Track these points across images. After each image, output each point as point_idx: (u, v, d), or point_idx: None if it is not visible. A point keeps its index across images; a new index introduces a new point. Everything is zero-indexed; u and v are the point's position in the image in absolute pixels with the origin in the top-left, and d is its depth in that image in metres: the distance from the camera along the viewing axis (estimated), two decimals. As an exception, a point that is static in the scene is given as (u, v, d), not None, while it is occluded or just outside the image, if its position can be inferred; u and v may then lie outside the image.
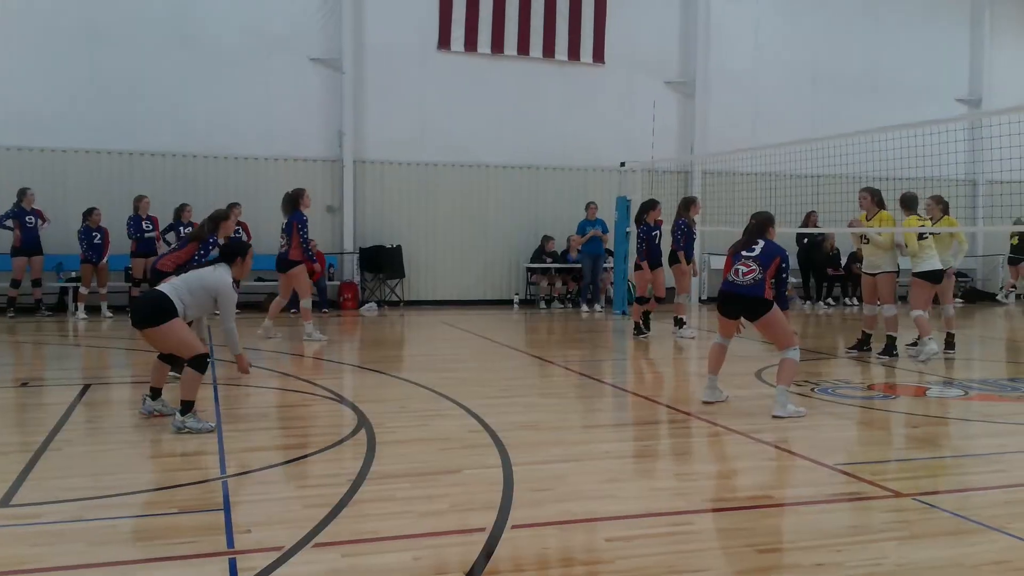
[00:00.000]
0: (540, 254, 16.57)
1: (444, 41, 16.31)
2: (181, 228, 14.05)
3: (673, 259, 12.27)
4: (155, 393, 6.38)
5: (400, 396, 7.42)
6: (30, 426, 6.40)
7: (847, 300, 17.63)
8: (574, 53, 17.09)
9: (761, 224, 6.93)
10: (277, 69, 15.46)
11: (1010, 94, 17.94)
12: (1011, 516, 4.30)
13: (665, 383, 9.04)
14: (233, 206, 14.19)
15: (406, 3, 16.07)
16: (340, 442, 5.72)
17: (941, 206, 9.60)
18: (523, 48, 16.73)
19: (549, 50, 16.93)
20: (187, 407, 5.85)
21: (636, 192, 15.43)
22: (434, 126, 16.24)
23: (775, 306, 6.59)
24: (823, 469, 5.13)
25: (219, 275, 6.16)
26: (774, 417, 6.43)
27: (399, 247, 15.95)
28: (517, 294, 16.64)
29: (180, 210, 13.80)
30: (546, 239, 16.57)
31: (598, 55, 17.19)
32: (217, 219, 8.21)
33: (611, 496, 4.64)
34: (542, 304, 16.36)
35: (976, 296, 18.36)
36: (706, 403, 6.95)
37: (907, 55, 18.63)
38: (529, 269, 16.69)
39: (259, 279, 14.75)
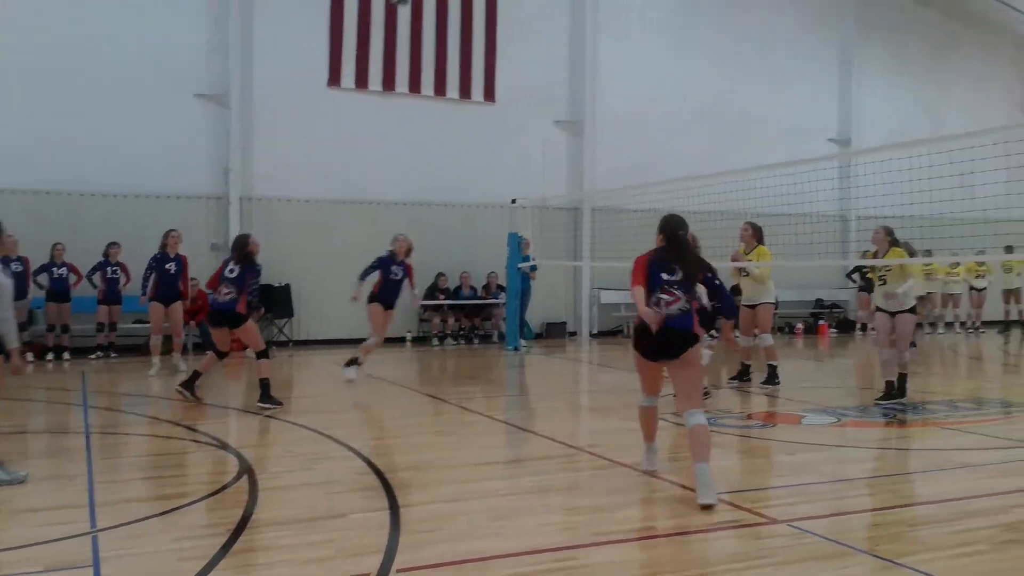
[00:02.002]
0: (433, 291, 16.54)
1: (334, 78, 16.23)
2: (108, 268, 13.64)
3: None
4: None
5: (286, 440, 7.24)
6: None
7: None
8: (465, 92, 17.26)
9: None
10: (161, 105, 15.05)
11: (875, 134, 19.09)
12: (880, 539, 4.50)
13: (557, 419, 9.10)
14: (111, 245, 13.76)
15: (295, 40, 15.93)
16: (221, 490, 5.53)
17: (890, 238, 9.37)
18: (415, 86, 16.79)
19: (440, 88, 17.05)
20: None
21: (527, 229, 15.66)
22: (325, 163, 16.09)
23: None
24: (705, 499, 5.25)
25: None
26: (704, 507, 5.04)
27: (288, 285, 15.66)
28: (409, 331, 16.53)
29: (108, 248, 13.66)
30: (439, 275, 16.56)
31: (489, 94, 17.41)
32: None
33: (498, 534, 4.64)
34: (435, 341, 16.31)
35: (848, 326, 19.26)
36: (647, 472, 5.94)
37: (784, 97, 19.58)
38: (422, 306, 16.61)
39: (139, 321, 14.21)
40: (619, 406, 9.08)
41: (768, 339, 10.29)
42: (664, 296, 5.45)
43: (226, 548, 4.34)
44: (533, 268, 15.74)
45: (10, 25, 14.22)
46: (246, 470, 5.98)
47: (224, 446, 6.97)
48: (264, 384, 8.80)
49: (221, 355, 9.22)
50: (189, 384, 9.09)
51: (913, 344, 10.50)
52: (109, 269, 13.70)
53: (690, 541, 4.52)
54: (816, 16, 20.39)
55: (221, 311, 9.03)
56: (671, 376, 5.58)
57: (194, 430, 7.56)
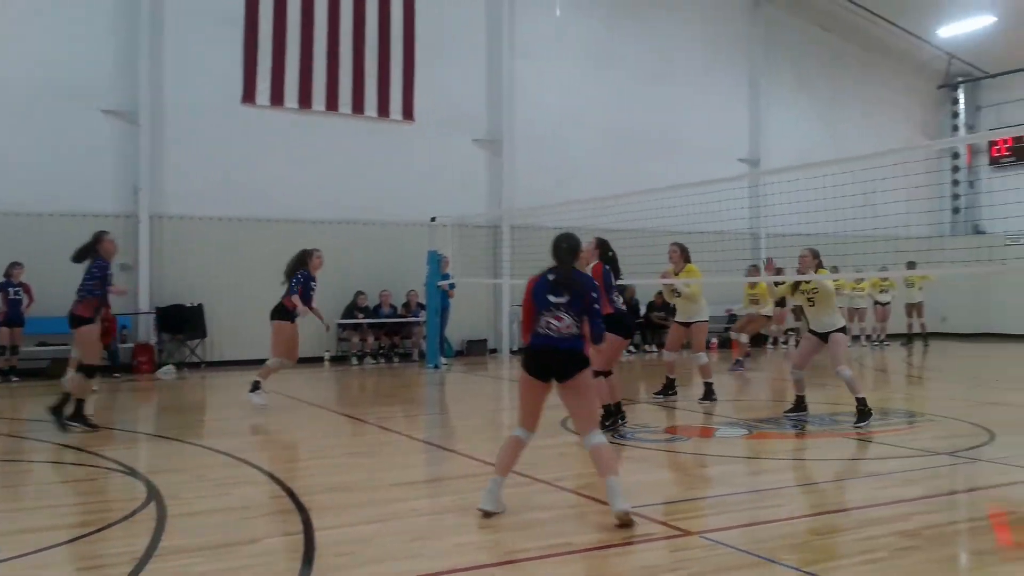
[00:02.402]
0: (352, 309, 16.37)
1: (249, 95, 15.98)
2: (11, 289, 13.18)
3: None
4: None
5: (197, 465, 7.05)
6: None
7: (646, 347, 18.56)
8: (383, 110, 17.20)
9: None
10: (66, 121, 14.58)
11: (783, 154, 19.75)
12: (787, 548, 4.63)
13: (477, 437, 9.09)
14: (13, 265, 13.23)
15: (208, 55, 15.64)
16: (127, 518, 5.35)
17: (816, 260, 9.48)
18: (332, 104, 16.66)
19: (359, 106, 16.95)
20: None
21: (447, 247, 15.66)
22: (239, 181, 15.80)
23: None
24: (620, 513, 5.32)
25: None
26: (620, 515, 5.01)
27: (200, 305, 15.30)
28: (328, 351, 16.32)
29: (10, 268, 13.22)
30: (358, 294, 16.41)
31: (407, 112, 17.39)
32: None
33: (417, 555, 4.61)
34: (354, 360, 16.13)
35: (761, 340, 19.78)
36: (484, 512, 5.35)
37: (697, 118, 20.09)
38: (340, 325, 16.44)
39: (42, 343, 13.69)
40: (540, 423, 9.12)
41: (703, 357, 10.53)
42: (552, 321, 5.35)
43: (132, 578, 4.21)
44: (452, 286, 15.75)
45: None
46: (154, 497, 5.80)
47: (132, 472, 6.75)
48: (77, 401, 8.39)
49: (91, 371, 8.57)
50: (75, 414, 8.42)
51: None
52: (11, 290, 13.20)
53: (606, 556, 4.57)
54: (727, 41, 21.03)
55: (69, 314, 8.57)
56: (563, 402, 5.52)
57: (101, 456, 7.30)
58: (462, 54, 18.08)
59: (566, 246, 5.60)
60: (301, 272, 10.46)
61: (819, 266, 9.23)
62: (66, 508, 5.85)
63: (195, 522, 5.26)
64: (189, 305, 15.18)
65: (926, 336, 19.84)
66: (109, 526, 5.16)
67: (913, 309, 19.65)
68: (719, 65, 20.86)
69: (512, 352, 18.03)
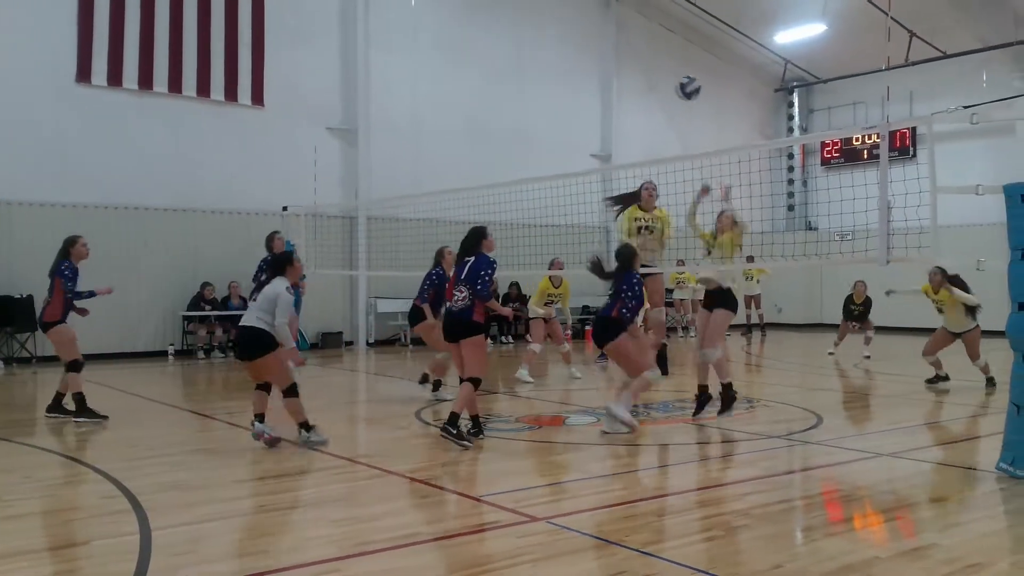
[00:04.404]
0: (199, 301, 15.74)
1: (84, 74, 15.04)
2: None
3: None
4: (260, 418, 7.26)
5: (25, 465, 6.61)
6: None
7: (503, 339, 18.82)
8: (231, 94, 16.58)
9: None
10: None
11: (632, 150, 20.40)
12: (629, 530, 4.79)
13: (332, 430, 8.93)
14: None
15: (38, 30, 14.61)
16: (-57, 524, 4.96)
17: (942, 278, 11.00)
18: (175, 86, 15.90)
19: (204, 89, 16.26)
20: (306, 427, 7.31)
21: (299, 237, 15.28)
22: (75, 165, 14.87)
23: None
24: (469, 502, 5.38)
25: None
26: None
27: (31, 296, 14.29)
28: (172, 344, 15.63)
29: None
30: (205, 285, 15.79)
31: (257, 97, 16.83)
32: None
33: (261, 552, 4.50)
34: (200, 354, 15.53)
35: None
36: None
37: (551, 113, 20.45)
38: (186, 317, 15.78)
39: None
40: (395, 415, 9.09)
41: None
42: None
43: (-55, 589, 3.91)
44: (302, 277, 15.39)
45: None
46: (-23, 500, 5.41)
47: (-52, 474, 6.26)
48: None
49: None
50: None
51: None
52: None
53: (453, 545, 4.59)
54: (580, 39, 21.48)
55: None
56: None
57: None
58: (316, 40, 17.67)
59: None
60: (66, 264, 9.08)
61: (945, 282, 10.81)
62: None
63: (20, 524, 4.94)
64: (18, 296, 14.18)
65: (764, 327, 20.99)
66: (-80, 534, 4.78)
67: (752, 300, 20.74)
68: (572, 62, 21.30)
69: (368, 344, 17.83)
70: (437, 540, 4.67)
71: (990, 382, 10.68)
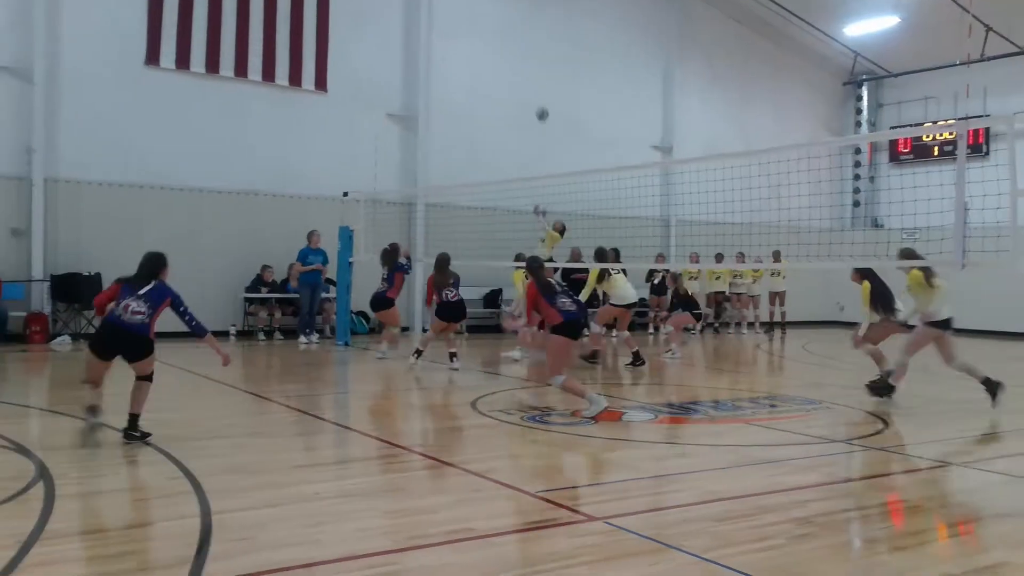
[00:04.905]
0: (258, 284, 15.98)
1: (153, 56, 15.34)
2: None
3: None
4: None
5: (90, 442, 6.75)
6: None
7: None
8: (295, 79, 16.76)
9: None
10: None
11: (693, 144, 20.12)
12: (688, 534, 4.70)
13: (384, 417, 8.99)
14: None
15: (109, 13, 14.94)
16: (11, 498, 5.08)
17: None
18: (241, 70, 16.14)
19: (269, 74, 16.47)
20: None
21: (359, 222, 15.39)
22: (141, 146, 15.19)
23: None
24: (525, 497, 5.34)
25: None
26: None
27: (98, 275, 14.63)
28: (234, 325, 15.89)
29: None
30: (264, 268, 16.02)
31: (320, 83, 16.99)
32: None
33: (316, 541, 4.50)
34: (261, 336, 15.77)
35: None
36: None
37: (611, 103, 20.25)
38: (247, 299, 16.03)
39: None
40: (450, 404, 9.09)
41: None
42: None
43: (15, 563, 3.99)
44: (324, 262, 15.65)
45: None
46: (43, 476, 5.53)
47: (20, 449, 6.42)
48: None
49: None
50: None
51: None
52: None
53: (508, 542, 4.56)
54: (643, 29, 21.22)
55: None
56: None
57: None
58: (378, 27, 17.75)
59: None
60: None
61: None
62: (-57, 488, 5.52)
63: (85, 504, 5.05)
64: (87, 274, 14.54)
65: (784, 325, 20.44)
66: (-10, 508, 4.90)
67: (776, 297, 20.27)
68: (635, 53, 21.06)
69: (424, 331, 17.90)
70: (492, 536, 4.63)
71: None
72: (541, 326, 8.59)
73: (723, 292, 20.14)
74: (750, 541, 4.63)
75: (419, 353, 12.03)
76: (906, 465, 6.68)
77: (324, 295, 16.10)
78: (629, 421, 8.24)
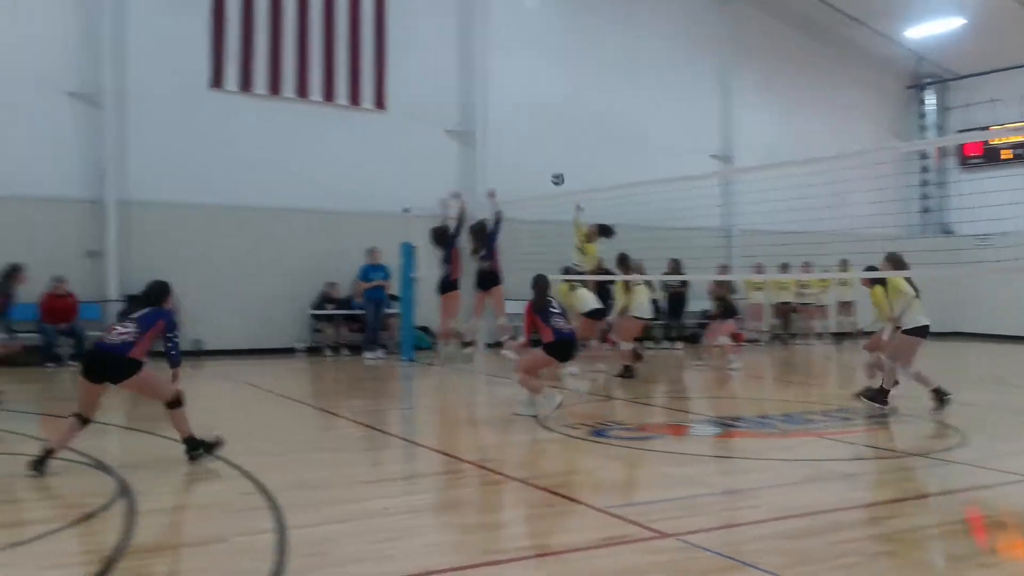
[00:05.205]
0: (324, 301, 16.23)
1: (217, 80, 15.74)
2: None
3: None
4: None
5: (166, 459, 6.90)
6: None
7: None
8: (355, 98, 17.06)
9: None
10: (28, 103, 14.26)
11: (751, 152, 19.87)
12: (761, 551, 4.61)
13: (450, 432, 9.03)
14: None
15: (174, 38, 15.36)
16: (94, 514, 5.22)
17: None
18: (302, 91, 16.47)
19: (329, 94, 16.79)
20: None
21: (420, 238, 15.51)
22: (208, 167, 15.55)
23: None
24: (595, 513, 5.30)
25: None
26: None
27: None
28: (301, 342, 16.14)
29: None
30: (329, 285, 16.27)
31: (379, 101, 17.25)
32: None
33: (389, 556, 4.53)
34: (327, 352, 15.99)
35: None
36: None
37: (668, 113, 20.11)
38: (313, 316, 16.28)
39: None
40: (514, 418, 9.08)
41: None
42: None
43: (100, 579, 4.11)
44: (385, 278, 15.86)
45: None
46: (122, 491, 5.68)
47: (100, 466, 6.60)
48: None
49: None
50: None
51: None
52: None
53: (581, 558, 4.52)
54: (696, 37, 21.03)
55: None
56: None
57: (68, 448, 7.10)
58: (434, 44, 17.95)
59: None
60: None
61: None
62: (30, 503, 5.71)
63: (164, 519, 5.18)
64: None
65: (852, 335, 19.85)
66: (76, 522, 5.04)
67: (844, 307, 19.74)
68: (691, 62, 20.90)
69: (488, 346, 17.95)
70: (565, 552, 4.61)
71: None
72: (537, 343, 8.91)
73: (789, 303, 19.79)
74: (828, 559, 4.53)
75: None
76: (986, 479, 6.46)
77: (388, 311, 16.26)
78: (696, 435, 8.14)
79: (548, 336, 8.64)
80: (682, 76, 20.71)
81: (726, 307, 14.51)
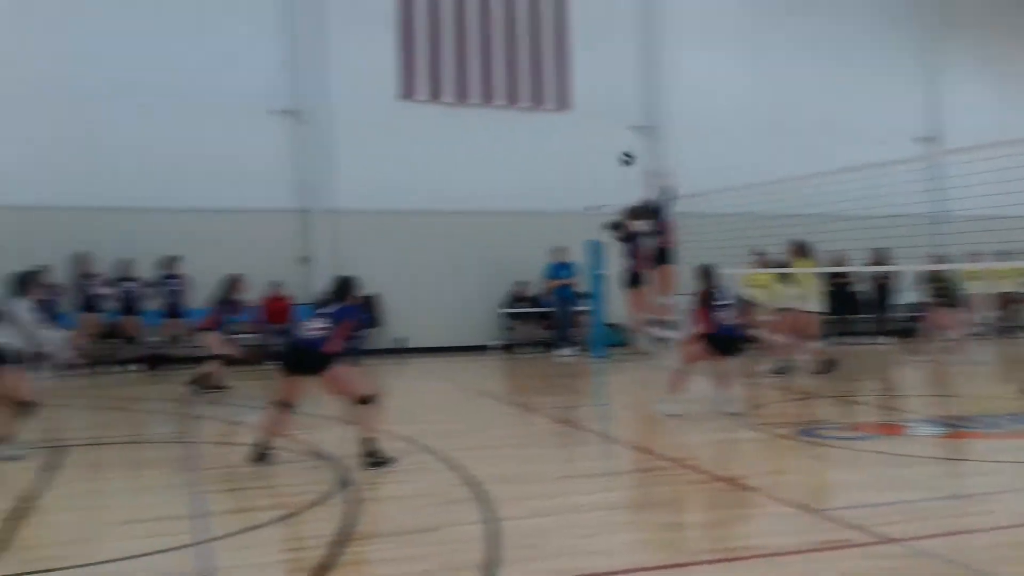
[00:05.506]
0: (514, 299, 16.57)
1: (408, 91, 16.46)
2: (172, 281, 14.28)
3: None
4: None
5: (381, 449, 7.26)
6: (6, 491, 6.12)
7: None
8: (538, 100, 17.32)
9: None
10: (241, 124, 15.46)
11: (963, 132, 18.37)
12: (1000, 560, 4.27)
13: (648, 429, 8.94)
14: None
15: (368, 54, 16.17)
16: (321, 501, 5.58)
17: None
18: (488, 96, 16.93)
19: (513, 97, 17.15)
20: None
21: (605, 235, 15.50)
22: (403, 175, 16.24)
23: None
24: (810, 515, 5.08)
25: None
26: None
27: (375, 296, 15.83)
28: (494, 339, 16.56)
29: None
30: (519, 284, 16.59)
31: (561, 101, 17.42)
32: None
33: (596, 551, 4.55)
34: (520, 349, 16.31)
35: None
36: None
37: (862, 97, 19.00)
38: (504, 314, 16.66)
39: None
40: (715, 416, 8.88)
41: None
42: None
43: (331, 561, 4.37)
44: (573, 275, 15.89)
45: (94, 50, 14.71)
46: (343, 481, 6.03)
47: (320, 456, 7.03)
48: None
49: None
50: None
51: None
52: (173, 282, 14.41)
53: (796, 562, 4.34)
54: (897, 17, 19.74)
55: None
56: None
57: (295, 439, 7.61)
58: (615, 40, 17.87)
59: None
60: None
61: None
62: (261, 490, 6.16)
63: (381, 508, 5.44)
64: (366, 296, 15.75)
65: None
66: (305, 509, 5.40)
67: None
68: (889, 41, 19.62)
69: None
70: (779, 555, 4.45)
71: None
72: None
73: (1012, 293, 18.12)
74: (1079, 571, 4.12)
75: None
76: None
77: (576, 308, 16.36)
78: (915, 435, 7.64)
79: (708, 328, 8.47)
80: (879, 57, 19.49)
81: (948, 297, 13.50)
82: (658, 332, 12.33)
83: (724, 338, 8.51)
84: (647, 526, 5.15)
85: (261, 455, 6.59)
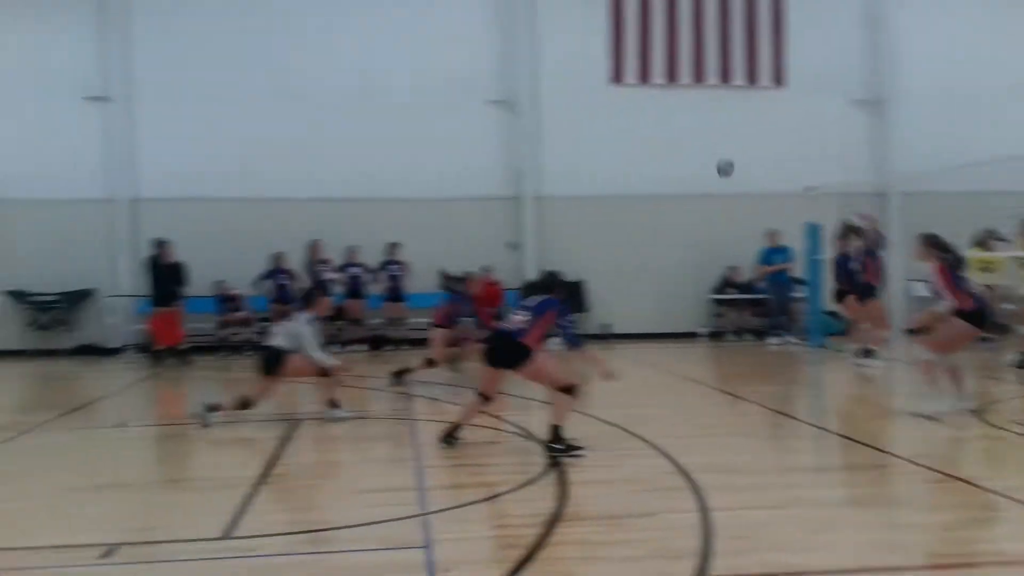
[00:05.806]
0: (725, 285, 16.14)
1: (618, 75, 16.37)
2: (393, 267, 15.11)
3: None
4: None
5: (589, 435, 7.27)
6: (248, 461, 6.68)
7: None
8: (752, 77, 16.69)
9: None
10: (455, 113, 16.01)
11: None
12: None
13: (870, 423, 8.43)
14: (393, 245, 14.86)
15: (578, 40, 16.28)
16: (532, 481, 5.71)
17: None
18: (699, 76, 16.51)
19: (726, 75, 16.63)
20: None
21: (825, 217, 14.71)
22: (608, 160, 16.21)
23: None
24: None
25: None
26: None
27: (583, 282, 15.95)
28: (703, 326, 16.22)
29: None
30: (731, 269, 16.13)
31: (777, 77, 16.69)
32: None
33: (818, 548, 4.36)
34: (730, 336, 15.89)
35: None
36: None
37: None
38: (714, 300, 16.27)
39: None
40: (944, 412, 8.25)
41: None
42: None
43: (543, 539, 4.47)
44: (788, 260, 15.17)
45: (332, 61, 15.81)
46: (554, 463, 6.13)
47: (530, 437, 7.19)
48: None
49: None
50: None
51: None
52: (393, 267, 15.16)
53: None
54: None
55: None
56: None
57: (500, 418, 7.85)
58: (834, 9, 16.89)
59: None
60: None
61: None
62: (478, 468, 6.38)
63: (592, 491, 5.48)
64: (573, 281, 15.90)
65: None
66: (518, 488, 5.55)
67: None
68: None
69: (909, 332, 16.52)
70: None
71: None
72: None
73: None
74: None
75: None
76: None
77: (792, 295, 15.68)
78: None
79: (966, 303, 7.30)
80: None
81: None
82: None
83: (981, 313, 7.39)
84: (876, 525, 4.85)
85: (449, 438, 6.77)
